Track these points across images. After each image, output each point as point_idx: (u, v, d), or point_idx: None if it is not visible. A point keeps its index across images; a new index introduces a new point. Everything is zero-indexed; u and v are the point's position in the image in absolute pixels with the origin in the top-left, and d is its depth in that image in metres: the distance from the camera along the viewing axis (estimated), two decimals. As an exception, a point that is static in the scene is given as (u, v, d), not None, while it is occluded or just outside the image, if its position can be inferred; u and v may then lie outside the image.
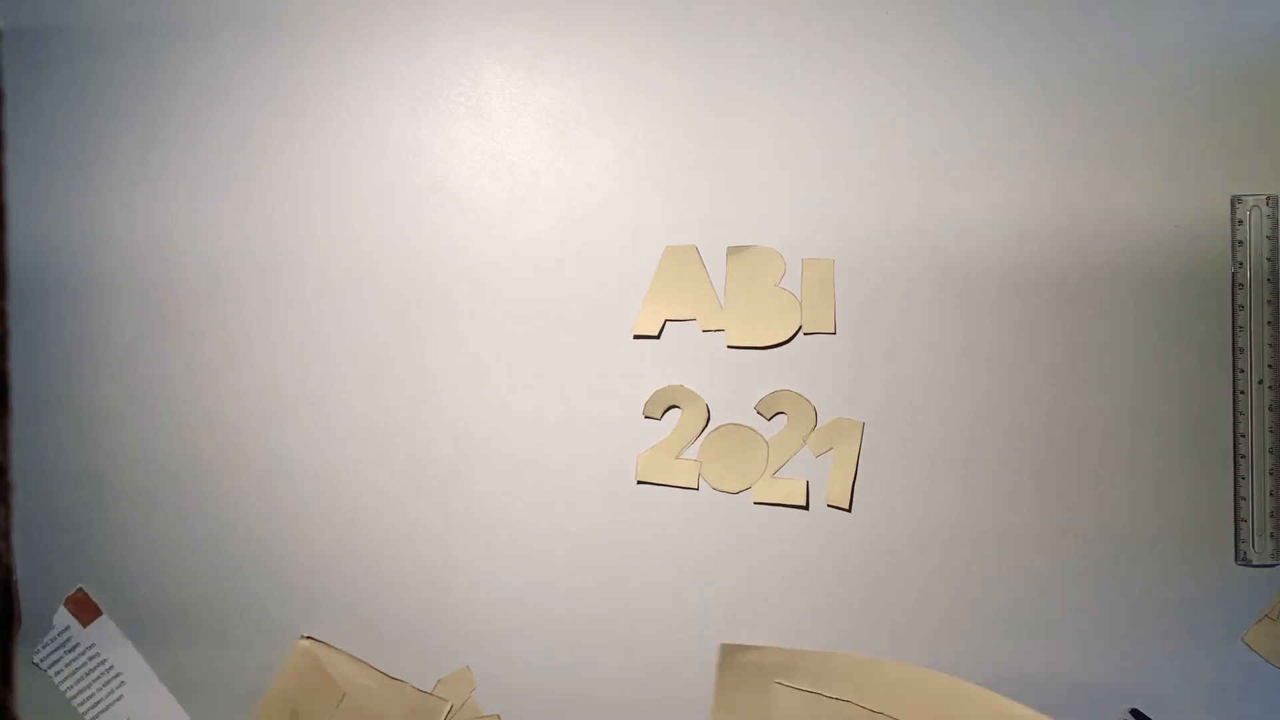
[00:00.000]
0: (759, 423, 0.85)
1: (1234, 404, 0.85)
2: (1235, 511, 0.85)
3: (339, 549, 0.86)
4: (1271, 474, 0.85)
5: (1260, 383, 0.85)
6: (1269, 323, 0.85)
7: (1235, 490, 0.85)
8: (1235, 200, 0.85)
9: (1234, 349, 0.85)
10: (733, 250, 0.85)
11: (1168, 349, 0.85)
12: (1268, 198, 0.85)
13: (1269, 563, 0.85)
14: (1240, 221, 0.85)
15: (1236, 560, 0.85)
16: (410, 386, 0.86)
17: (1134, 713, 0.84)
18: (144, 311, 0.86)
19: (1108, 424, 0.85)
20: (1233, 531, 0.85)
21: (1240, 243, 0.85)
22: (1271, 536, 0.84)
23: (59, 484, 0.87)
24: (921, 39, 0.85)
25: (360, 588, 0.86)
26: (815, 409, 0.85)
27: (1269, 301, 0.85)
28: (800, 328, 0.85)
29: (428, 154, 0.86)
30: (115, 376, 0.86)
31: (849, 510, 0.86)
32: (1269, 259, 0.85)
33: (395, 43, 0.86)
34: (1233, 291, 0.85)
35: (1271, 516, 0.85)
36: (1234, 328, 0.85)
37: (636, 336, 0.85)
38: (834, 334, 0.85)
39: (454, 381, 0.86)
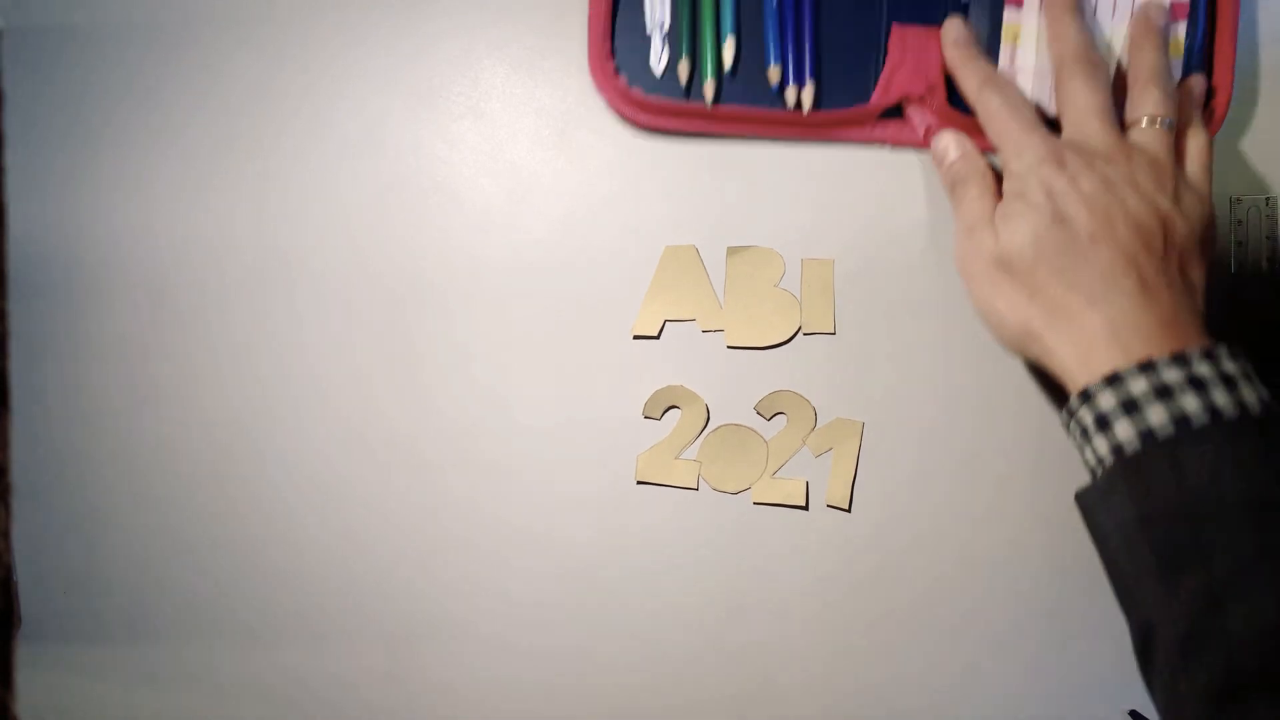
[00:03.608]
0: (759, 423, 0.85)
1: (1234, 404, 0.85)
2: (1235, 512, 0.85)
3: (336, 552, 0.86)
4: (1271, 474, 0.84)
5: (1260, 383, 0.84)
6: (1269, 323, 0.85)
7: (1235, 491, 0.85)
8: (1235, 200, 0.85)
9: (1234, 349, 0.85)
10: (732, 250, 0.85)
11: (1168, 349, 0.85)
12: (1268, 198, 0.85)
13: (1269, 563, 0.84)
14: (1240, 222, 0.85)
15: (1236, 561, 0.85)
16: (408, 387, 0.86)
17: (1133, 714, 0.84)
18: (142, 312, 0.86)
19: (1107, 424, 0.85)
20: (1233, 532, 0.85)
21: (1240, 243, 0.85)
22: (1271, 537, 0.84)
23: (58, 484, 0.87)
24: (921, 39, 0.85)
25: (355, 591, 0.86)
26: (815, 409, 0.85)
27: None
28: (800, 328, 0.85)
29: (428, 154, 0.86)
30: (112, 376, 0.86)
31: (849, 511, 0.86)
32: (1269, 259, 0.85)
33: (394, 42, 0.86)
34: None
35: (1271, 517, 0.84)
36: (1234, 328, 0.85)
37: (636, 337, 0.85)
38: (834, 334, 0.85)
39: (452, 382, 0.86)
